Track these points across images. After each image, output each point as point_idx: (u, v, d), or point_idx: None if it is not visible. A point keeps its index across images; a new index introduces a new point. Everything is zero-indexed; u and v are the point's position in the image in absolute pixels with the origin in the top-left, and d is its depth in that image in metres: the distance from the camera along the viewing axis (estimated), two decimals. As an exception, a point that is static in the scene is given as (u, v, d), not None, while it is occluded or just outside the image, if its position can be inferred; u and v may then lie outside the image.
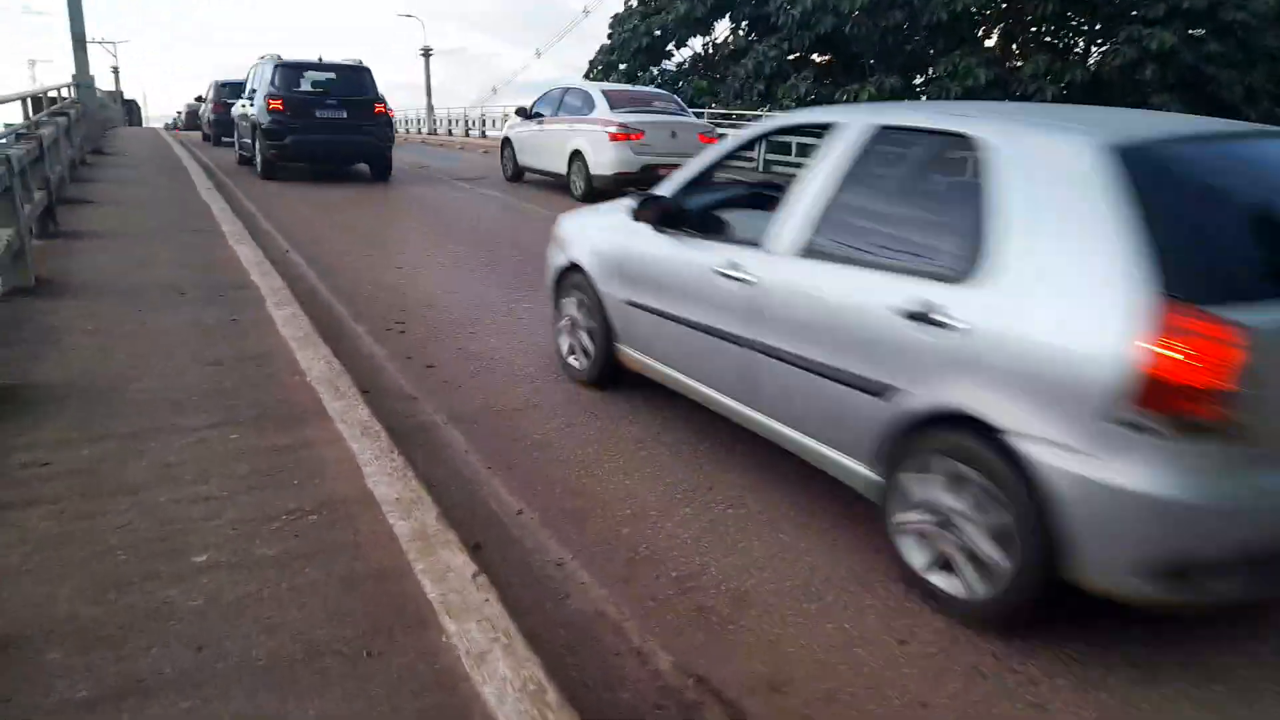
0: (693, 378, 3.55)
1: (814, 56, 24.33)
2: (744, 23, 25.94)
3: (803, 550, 2.86)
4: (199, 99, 27.18)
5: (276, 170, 12.45)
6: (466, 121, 32.10)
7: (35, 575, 2.32)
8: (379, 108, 12.58)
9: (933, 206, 2.91)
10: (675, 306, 3.53)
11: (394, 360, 4.70)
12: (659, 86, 27.67)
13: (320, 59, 12.82)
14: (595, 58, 29.31)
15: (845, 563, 2.79)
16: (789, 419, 3.04)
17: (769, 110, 22.08)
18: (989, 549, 2.33)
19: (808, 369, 2.86)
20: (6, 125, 8.26)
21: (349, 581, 2.36)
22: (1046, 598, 2.28)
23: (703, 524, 3.02)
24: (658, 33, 26.45)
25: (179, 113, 34.35)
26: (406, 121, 42.83)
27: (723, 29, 28.00)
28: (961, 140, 2.64)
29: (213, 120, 21.00)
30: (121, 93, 53.38)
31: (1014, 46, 22.27)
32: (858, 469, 2.76)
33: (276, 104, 11.84)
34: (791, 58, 23.45)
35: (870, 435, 2.65)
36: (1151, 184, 2.19)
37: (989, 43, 22.36)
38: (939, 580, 2.51)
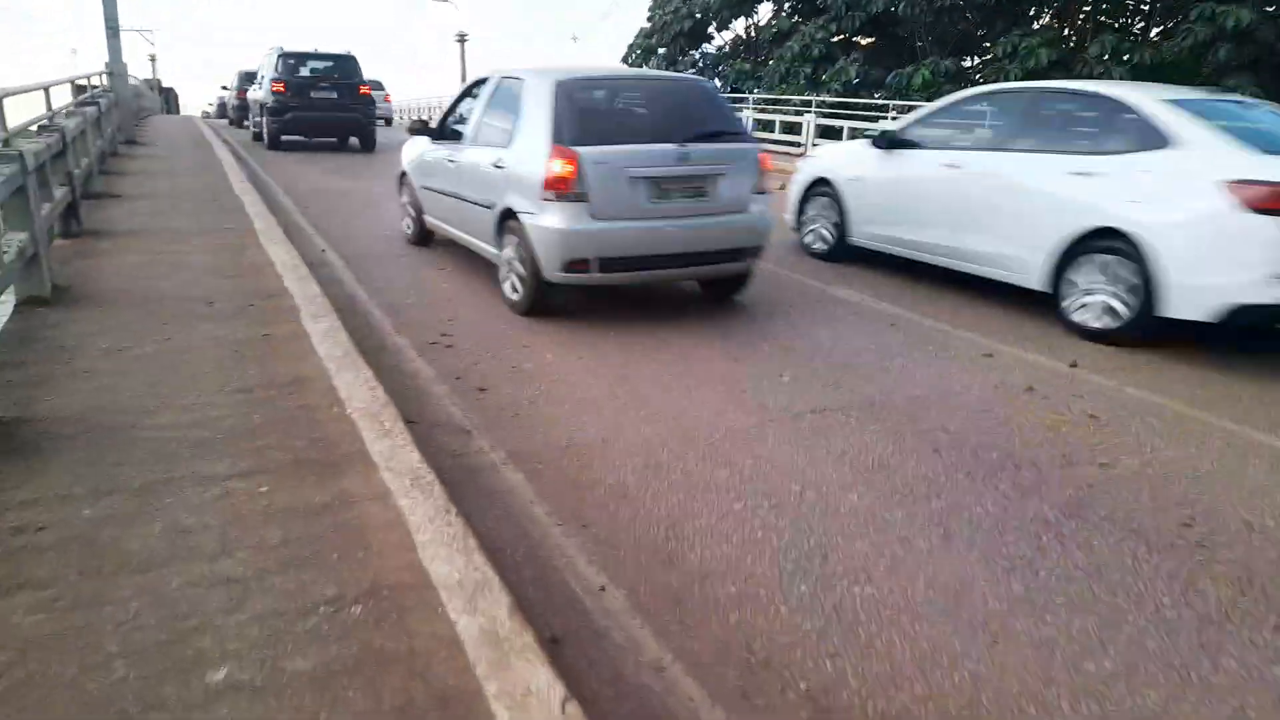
0: (449, 226, 6.58)
1: (859, 39, 23.48)
2: (788, 4, 25.08)
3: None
4: (225, 88, 29.49)
5: (279, 142, 14.94)
6: None
7: (11, 703, 1.82)
8: (364, 90, 15.01)
9: (506, 115, 5.55)
10: (436, 182, 6.68)
11: (442, 382, 4.19)
12: (699, 70, 26.95)
13: (316, 50, 15.11)
14: (634, 41, 28.61)
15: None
16: (472, 232, 6.01)
17: (815, 94, 21.30)
18: (518, 265, 5.29)
19: (472, 203, 5.84)
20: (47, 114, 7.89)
21: (404, 714, 1.83)
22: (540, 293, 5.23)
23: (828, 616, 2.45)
24: (699, 15, 25.68)
25: (211, 104, 35.28)
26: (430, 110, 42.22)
27: (765, 11, 27.17)
28: (519, 80, 5.54)
29: (235, 105, 23.72)
30: (159, 81, 53.64)
31: (1066, 28, 21.21)
32: (488, 247, 5.70)
33: (279, 86, 14.09)
34: (838, 39, 22.58)
35: (492, 228, 5.51)
36: (566, 100, 4.99)
37: (1039, 23, 21.34)
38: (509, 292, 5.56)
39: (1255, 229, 4.37)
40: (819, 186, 7.33)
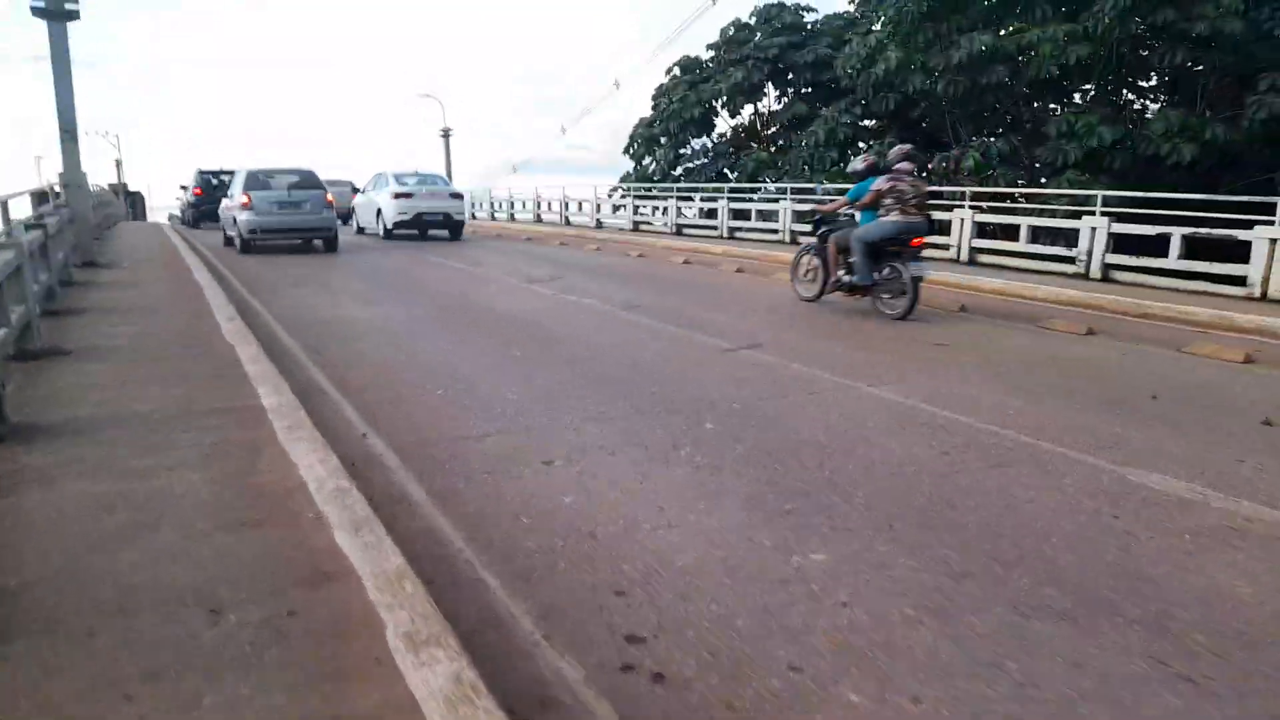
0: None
1: (868, 122, 22.09)
2: (804, 88, 23.80)
3: None
4: (183, 188, 29.01)
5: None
6: (511, 203, 29.65)
7: None
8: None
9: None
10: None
11: None
12: (706, 156, 25.45)
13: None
14: (634, 131, 27.20)
15: None
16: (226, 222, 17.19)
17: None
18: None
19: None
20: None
21: None
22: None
23: None
24: (708, 103, 24.33)
25: (178, 201, 33.13)
26: None
27: (768, 97, 25.94)
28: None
29: (193, 202, 24.63)
30: (125, 185, 51.71)
31: (1120, 104, 19.90)
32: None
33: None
34: (864, 123, 21.16)
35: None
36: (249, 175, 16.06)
37: (1078, 99, 20.03)
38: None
39: None
40: None
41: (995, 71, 17.38)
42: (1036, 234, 12.87)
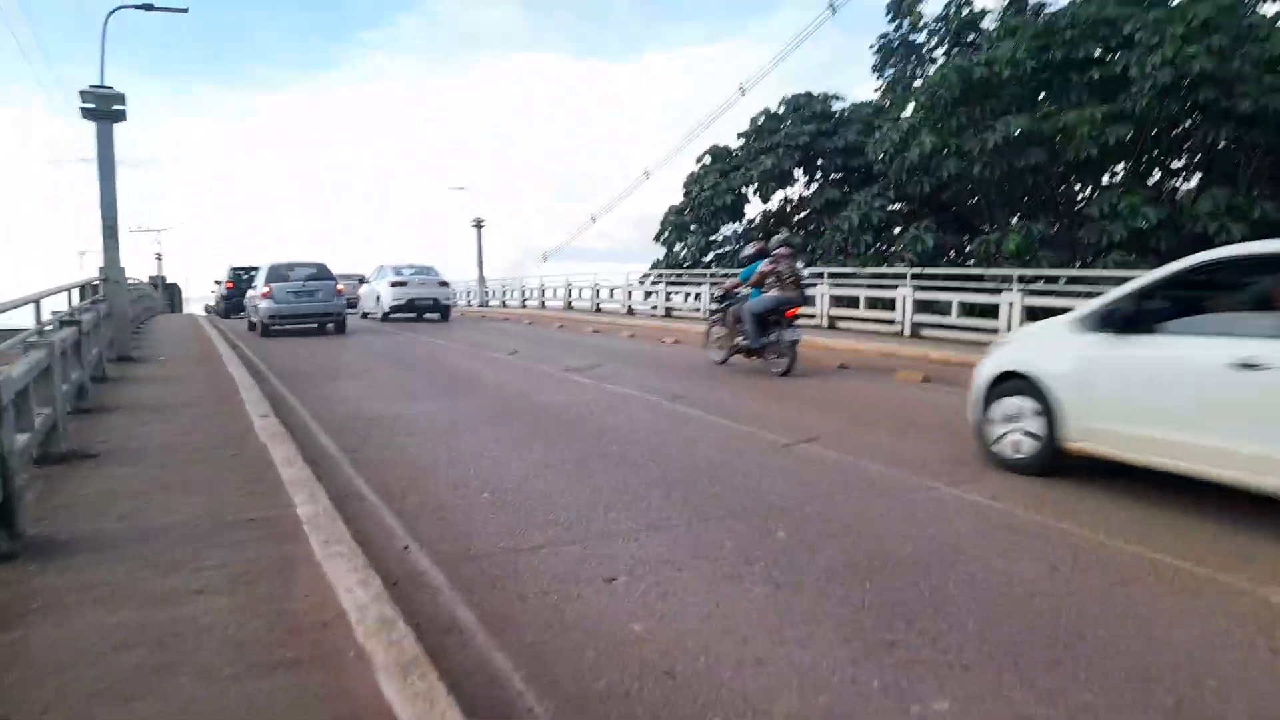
0: None
1: (897, 206, 21.99)
2: (834, 174, 23.87)
3: None
4: (217, 282, 32.43)
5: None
6: (542, 290, 29.67)
7: None
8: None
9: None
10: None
11: None
12: (736, 242, 25.42)
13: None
14: (665, 218, 27.35)
15: None
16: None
17: (883, 265, 19.41)
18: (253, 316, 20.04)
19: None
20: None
21: None
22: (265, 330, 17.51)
23: None
24: (740, 189, 24.45)
25: (212, 293, 35.83)
26: None
27: (798, 183, 26.05)
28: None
29: (225, 295, 27.91)
30: (164, 278, 52.97)
31: (1147, 182, 19.66)
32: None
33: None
34: (896, 207, 21.04)
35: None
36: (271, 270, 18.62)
37: (1113, 178, 19.81)
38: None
39: None
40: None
41: (1032, 154, 17.21)
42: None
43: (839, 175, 24.91)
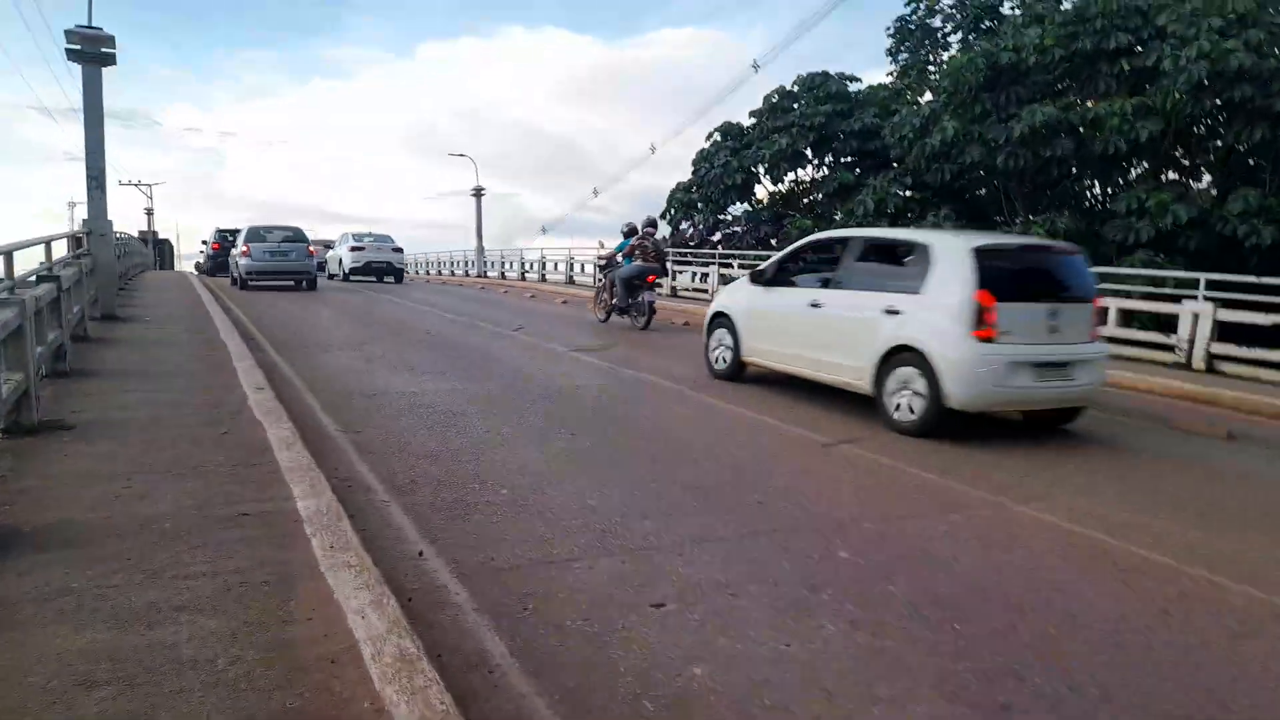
0: None
1: (910, 193, 21.37)
2: (848, 157, 23.23)
3: None
4: (204, 242, 34.59)
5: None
6: (543, 264, 28.95)
7: None
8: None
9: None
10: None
11: None
12: (746, 222, 24.80)
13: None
14: (672, 195, 26.66)
15: None
16: None
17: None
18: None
19: None
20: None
21: None
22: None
23: None
24: (751, 168, 23.77)
25: (203, 259, 36.46)
26: (427, 264, 40.49)
27: (808, 166, 25.41)
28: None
29: (211, 255, 29.59)
30: (155, 233, 51.93)
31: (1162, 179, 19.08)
32: None
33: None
34: (911, 194, 20.45)
35: None
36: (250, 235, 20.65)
37: (1135, 173, 19.23)
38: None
39: None
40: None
41: (1059, 145, 16.60)
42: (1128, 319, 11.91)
43: (851, 159, 24.27)
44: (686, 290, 21.09)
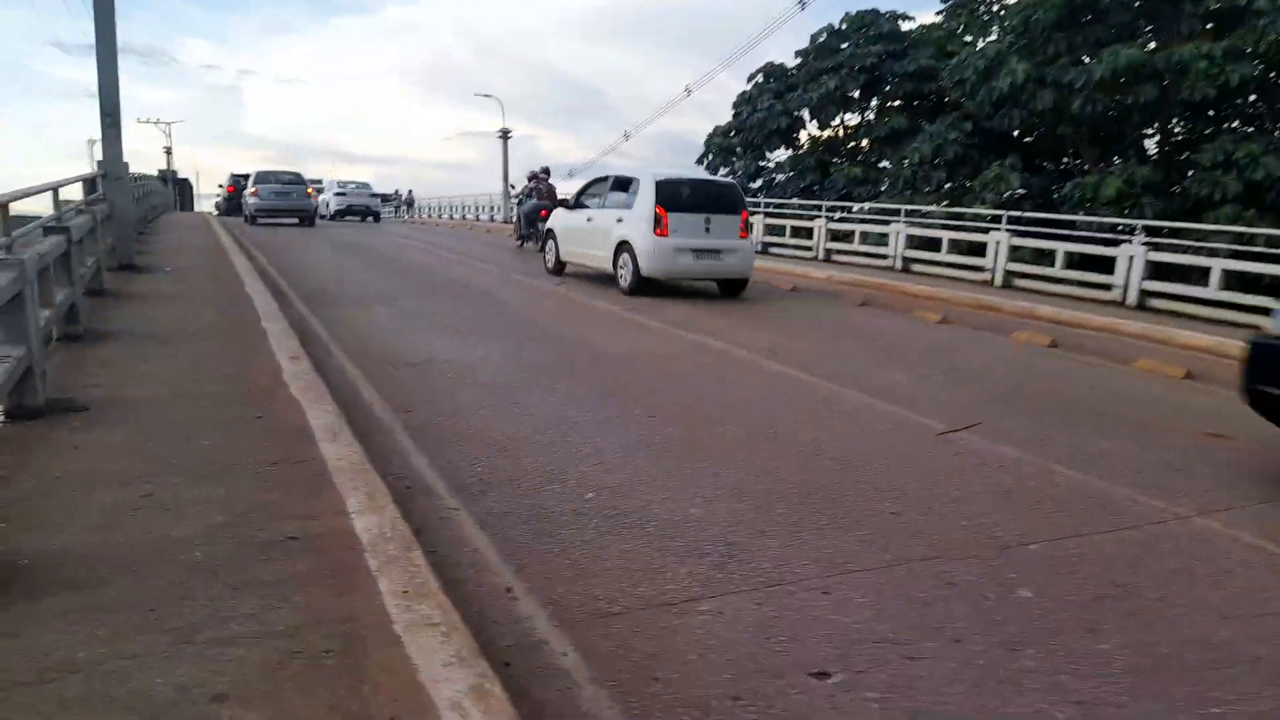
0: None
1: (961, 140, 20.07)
2: (898, 101, 21.93)
3: None
4: (220, 186, 38.18)
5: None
6: None
7: None
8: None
9: None
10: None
11: None
12: (791, 168, 23.65)
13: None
14: (710, 139, 25.47)
15: None
16: None
17: (951, 204, 17.75)
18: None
19: None
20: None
21: None
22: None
23: None
24: (796, 113, 22.52)
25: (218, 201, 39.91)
26: (450, 208, 39.70)
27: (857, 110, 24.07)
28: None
29: (227, 197, 33.73)
30: (174, 172, 51.09)
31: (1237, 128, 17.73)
32: None
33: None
34: (974, 143, 19.21)
35: None
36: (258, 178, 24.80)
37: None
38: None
39: None
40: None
41: (1142, 91, 15.33)
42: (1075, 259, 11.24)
43: (898, 103, 22.97)
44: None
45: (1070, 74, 16.18)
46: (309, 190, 24.15)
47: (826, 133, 24.15)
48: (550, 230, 12.95)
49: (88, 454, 3.96)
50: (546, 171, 18.41)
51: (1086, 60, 16.48)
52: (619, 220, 10.87)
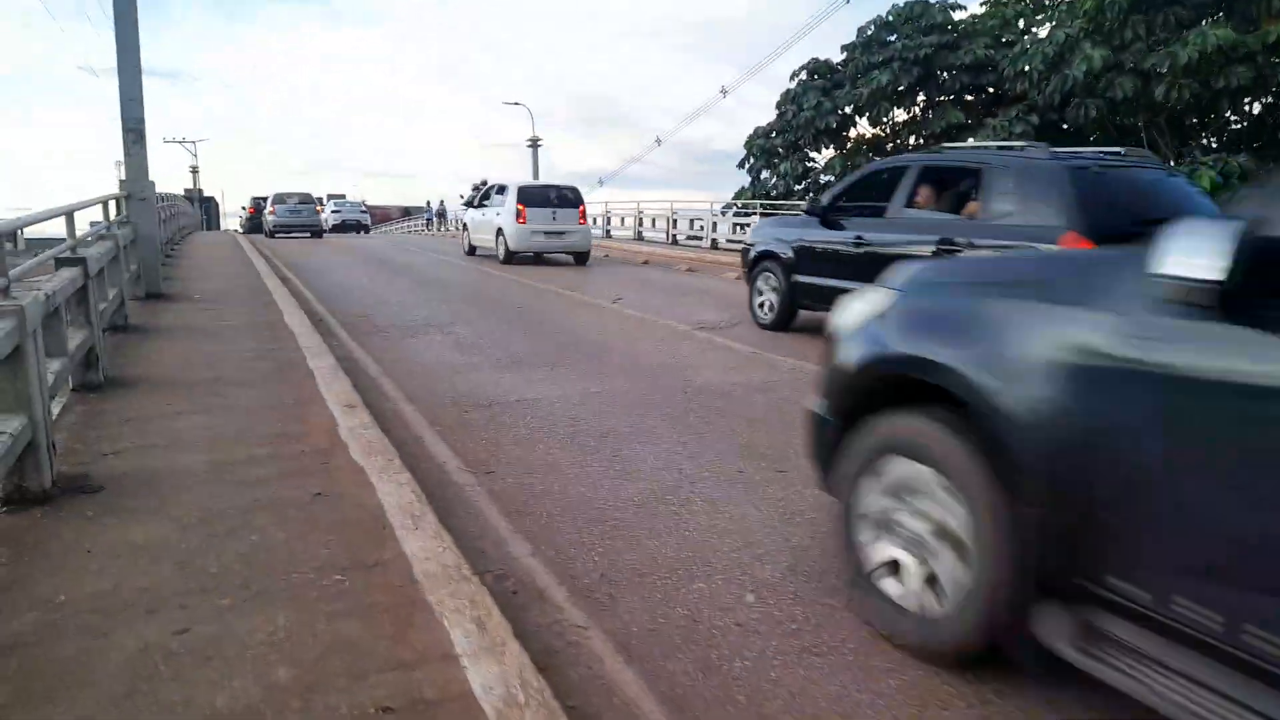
0: None
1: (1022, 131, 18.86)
2: (952, 94, 20.79)
3: None
4: (243, 208, 40.28)
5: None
6: (608, 219, 26.63)
7: None
8: (319, 209, 29.47)
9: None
10: None
11: None
12: (841, 170, 22.57)
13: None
14: (750, 140, 24.42)
15: None
16: None
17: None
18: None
19: None
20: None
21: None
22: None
23: None
24: (846, 110, 21.44)
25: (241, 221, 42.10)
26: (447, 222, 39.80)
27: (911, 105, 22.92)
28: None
29: (249, 218, 36.47)
30: (200, 191, 50.87)
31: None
32: None
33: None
34: (1042, 136, 18.02)
35: None
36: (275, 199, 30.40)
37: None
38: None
39: None
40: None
41: (1234, 75, 14.13)
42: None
43: (951, 96, 21.82)
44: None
45: (1152, 58, 14.99)
46: (317, 208, 29.01)
47: (878, 130, 23.02)
48: (464, 224, 19.00)
49: (104, 561, 3.03)
50: (485, 183, 21.40)
51: (1165, 44, 15.27)
52: (498, 214, 16.31)
